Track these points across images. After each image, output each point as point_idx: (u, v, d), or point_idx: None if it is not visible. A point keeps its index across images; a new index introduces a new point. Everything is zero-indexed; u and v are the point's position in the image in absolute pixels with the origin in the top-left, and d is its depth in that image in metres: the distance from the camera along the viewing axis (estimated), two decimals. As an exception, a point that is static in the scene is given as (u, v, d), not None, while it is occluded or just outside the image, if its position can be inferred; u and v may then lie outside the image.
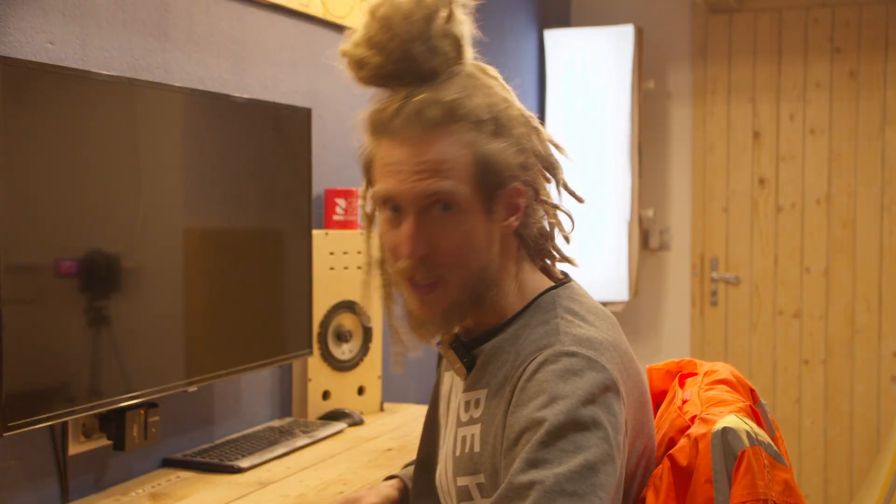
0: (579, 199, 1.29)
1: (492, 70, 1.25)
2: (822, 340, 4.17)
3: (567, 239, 1.30)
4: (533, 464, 1.03)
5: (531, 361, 1.13)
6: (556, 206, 1.28)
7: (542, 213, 1.26)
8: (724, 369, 1.37)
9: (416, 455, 1.41)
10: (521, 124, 1.21)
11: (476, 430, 1.18)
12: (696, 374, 1.40)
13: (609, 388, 1.10)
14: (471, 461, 1.18)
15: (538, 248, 1.26)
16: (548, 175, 1.26)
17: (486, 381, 1.19)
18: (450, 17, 1.17)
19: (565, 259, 1.30)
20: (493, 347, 1.20)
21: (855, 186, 4.12)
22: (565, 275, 1.30)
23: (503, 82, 1.25)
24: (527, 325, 1.19)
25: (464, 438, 1.20)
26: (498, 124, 1.18)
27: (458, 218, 1.15)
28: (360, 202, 1.31)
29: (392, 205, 1.17)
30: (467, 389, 1.22)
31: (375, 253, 1.29)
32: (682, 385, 1.39)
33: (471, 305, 1.20)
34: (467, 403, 1.21)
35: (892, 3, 4.02)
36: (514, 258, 1.23)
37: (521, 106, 1.24)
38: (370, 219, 1.30)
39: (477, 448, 1.17)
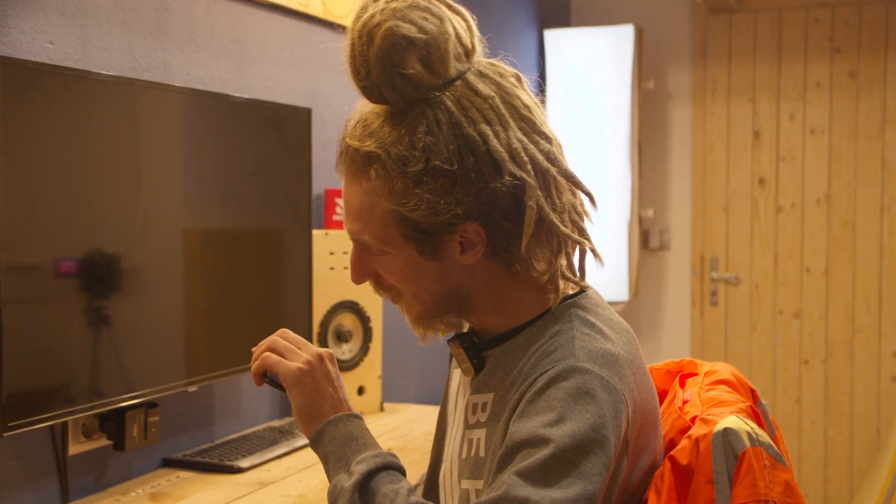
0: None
1: (488, 89, 1.12)
2: (822, 340, 4.17)
3: (582, 272, 1.22)
4: (533, 481, 1.02)
5: (543, 374, 1.10)
6: (567, 237, 1.16)
7: (548, 244, 1.16)
8: (724, 369, 1.37)
9: (430, 453, 1.40)
10: (500, 162, 1.09)
11: (482, 434, 1.17)
12: (696, 374, 1.40)
13: (619, 411, 1.08)
14: (476, 465, 1.17)
15: (546, 272, 1.18)
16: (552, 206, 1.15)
17: (494, 385, 1.18)
18: (400, 59, 1.08)
19: (577, 284, 1.22)
20: (504, 352, 1.19)
21: (855, 186, 4.12)
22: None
23: (514, 97, 1.14)
24: (540, 333, 1.16)
25: (470, 441, 1.19)
26: (435, 172, 1.08)
27: (387, 258, 1.15)
28: None
29: None
30: (475, 392, 1.21)
31: None
32: (682, 385, 1.38)
33: (450, 313, 1.19)
34: (475, 406, 1.20)
35: (893, 3, 4.02)
36: (505, 277, 1.17)
37: (539, 132, 1.13)
38: None
39: (482, 453, 1.16)
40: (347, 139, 1.14)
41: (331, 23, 2.59)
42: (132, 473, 1.96)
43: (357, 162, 1.12)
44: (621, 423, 1.08)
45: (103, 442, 1.85)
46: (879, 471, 3.56)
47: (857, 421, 4.11)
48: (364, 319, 2.50)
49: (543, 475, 1.02)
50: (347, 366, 2.46)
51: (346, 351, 2.47)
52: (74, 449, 1.80)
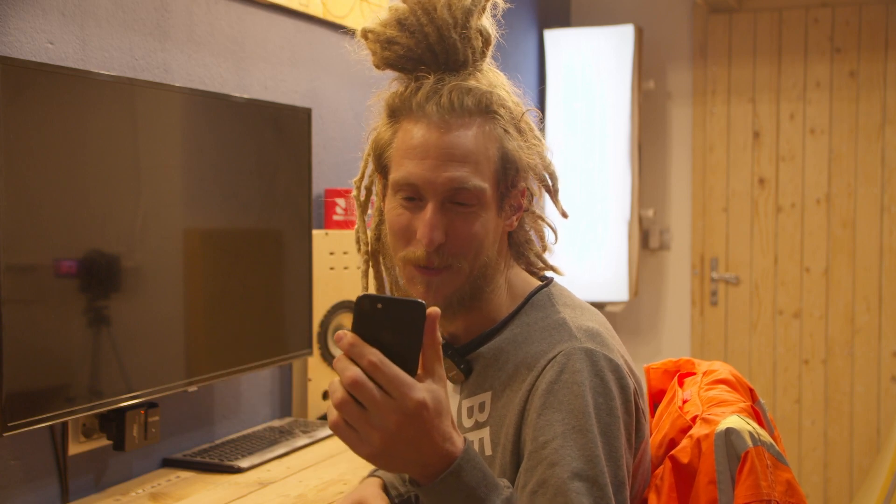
0: (564, 215, 1.29)
1: (502, 75, 1.26)
2: (822, 340, 4.16)
3: (548, 249, 1.30)
4: (577, 474, 1.04)
5: (552, 360, 1.12)
6: (541, 217, 1.28)
7: (528, 221, 1.27)
8: (723, 369, 1.37)
9: None
10: (532, 128, 1.23)
11: (485, 433, 1.17)
12: (694, 373, 1.40)
13: (626, 385, 1.13)
14: None
15: (521, 253, 1.27)
16: (537, 187, 1.27)
17: (490, 383, 1.18)
18: (483, 14, 1.19)
19: (550, 268, 1.30)
20: (493, 350, 1.19)
21: (855, 186, 4.12)
22: (545, 276, 1.30)
23: None
24: (526, 323, 1.19)
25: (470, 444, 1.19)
26: (519, 124, 1.19)
27: (476, 211, 1.14)
28: (353, 192, 1.28)
29: (410, 192, 1.15)
30: (469, 395, 1.21)
31: (368, 244, 1.28)
32: (681, 385, 1.38)
33: (469, 299, 1.18)
34: (470, 409, 1.20)
35: (893, 3, 4.02)
36: (504, 258, 1.23)
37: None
38: (364, 207, 1.28)
39: (488, 451, 1.16)
40: (458, 83, 1.15)
41: (331, 23, 2.59)
42: (132, 473, 1.96)
43: (474, 105, 1.15)
44: (630, 395, 1.12)
45: (103, 442, 1.85)
46: (879, 471, 3.56)
47: (857, 421, 4.10)
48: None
49: (584, 467, 1.05)
50: (347, 366, 2.46)
51: (346, 351, 2.46)
52: (74, 449, 1.80)
